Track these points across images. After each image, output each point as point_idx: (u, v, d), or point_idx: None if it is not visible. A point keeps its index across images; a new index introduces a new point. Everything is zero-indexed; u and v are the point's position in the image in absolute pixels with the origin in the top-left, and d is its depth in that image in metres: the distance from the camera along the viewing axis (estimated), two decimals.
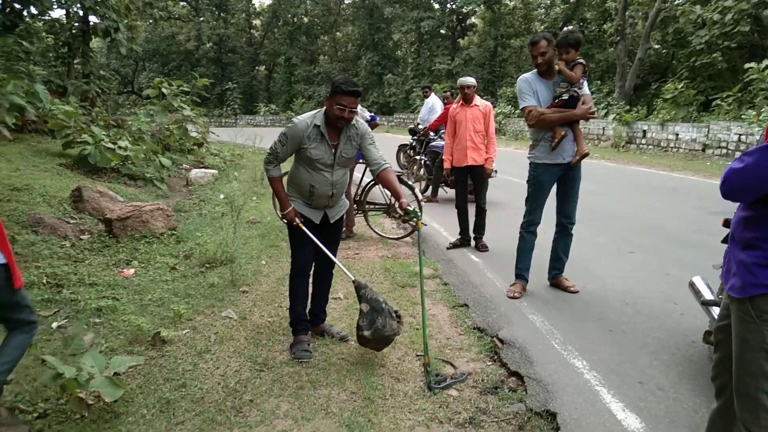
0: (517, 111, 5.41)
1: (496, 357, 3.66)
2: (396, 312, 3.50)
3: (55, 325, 3.95)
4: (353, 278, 3.63)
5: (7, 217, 5.69)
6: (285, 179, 3.68)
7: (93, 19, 14.28)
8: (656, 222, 7.33)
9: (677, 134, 16.61)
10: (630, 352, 3.63)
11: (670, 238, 6.60)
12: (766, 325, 1.87)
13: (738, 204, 2.05)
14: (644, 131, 18.13)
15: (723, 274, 2.12)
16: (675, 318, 4.16)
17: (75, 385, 2.74)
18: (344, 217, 3.92)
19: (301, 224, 3.57)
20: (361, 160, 3.96)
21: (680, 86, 18.10)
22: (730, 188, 1.93)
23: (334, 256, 3.76)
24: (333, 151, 3.47)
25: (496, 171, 6.66)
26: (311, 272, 3.81)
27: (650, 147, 17.72)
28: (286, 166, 3.69)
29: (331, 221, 3.74)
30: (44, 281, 4.75)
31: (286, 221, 3.66)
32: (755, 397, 1.93)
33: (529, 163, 4.64)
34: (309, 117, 3.47)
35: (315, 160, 3.45)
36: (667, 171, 12.72)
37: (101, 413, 2.87)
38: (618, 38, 22.86)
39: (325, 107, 3.44)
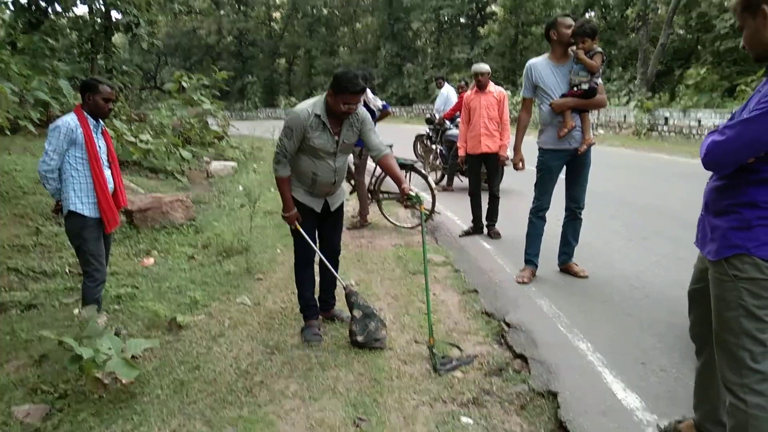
0: (536, 100, 5.46)
1: (502, 340, 3.72)
2: (382, 320, 3.66)
3: (76, 311, 4.11)
4: (345, 285, 3.74)
5: (32, 209, 5.90)
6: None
7: (115, 14, 14.55)
8: (672, 208, 7.27)
9: (699, 120, 16.31)
10: (635, 335, 3.66)
11: (686, 224, 6.48)
12: (742, 282, 1.98)
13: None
14: (666, 118, 17.83)
15: (698, 242, 2.22)
16: (683, 302, 4.07)
17: (92, 366, 2.88)
18: (343, 205, 3.94)
19: (299, 227, 3.62)
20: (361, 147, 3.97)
21: (703, 72, 17.77)
22: (712, 159, 2.02)
23: (338, 244, 3.87)
24: (336, 138, 3.49)
25: (510, 158, 6.68)
26: (316, 259, 3.87)
27: (672, 134, 17.45)
28: None
29: (332, 209, 3.77)
30: (67, 270, 4.94)
31: (286, 222, 3.69)
32: (736, 355, 2.02)
33: (538, 149, 4.68)
34: (309, 106, 3.44)
35: (318, 149, 3.45)
36: (688, 158, 12.52)
37: (118, 393, 3.01)
38: (640, 24, 22.53)
39: (325, 98, 3.42)
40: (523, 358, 3.42)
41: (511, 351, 3.55)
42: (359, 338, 3.53)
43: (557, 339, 3.66)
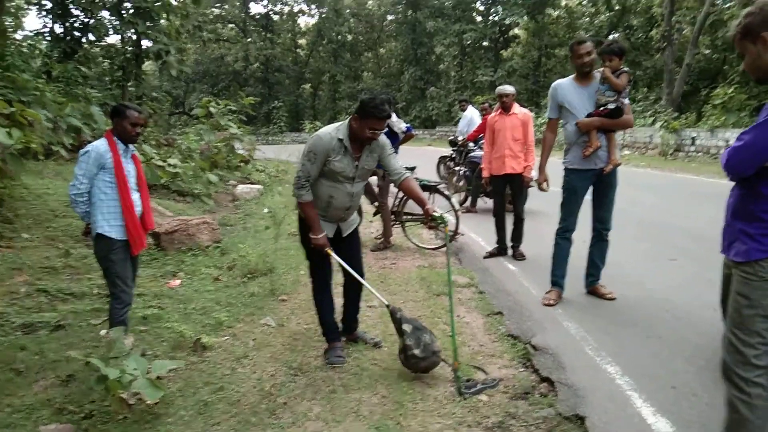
0: (561, 120, 5.47)
1: (528, 363, 3.65)
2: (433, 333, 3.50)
3: (103, 332, 4.16)
4: (387, 303, 3.62)
5: (62, 232, 6.04)
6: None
7: (146, 43, 14.97)
8: (700, 229, 7.12)
9: (727, 141, 16.04)
10: (664, 358, 3.57)
11: (714, 244, 6.34)
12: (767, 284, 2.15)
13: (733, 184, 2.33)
14: (693, 138, 17.61)
15: (724, 249, 2.37)
16: (713, 323, 4.03)
17: (118, 386, 2.90)
18: (358, 231, 3.89)
19: (330, 251, 3.56)
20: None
21: (730, 91, 17.53)
22: (734, 163, 2.19)
23: (360, 271, 3.79)
24: (356, 163, 3.48)
25: (534, 180, 6.64)
26: (332, 282, 3.84)
27: (699, 154, 17.19)
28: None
29: (344, 234, 3.73)
30: (95, 292, 5.02)
31: (312, 246, 3.57)
32: (744, 352, 2.19)
33: (564, 169, 4.64)
34: (332, 130, 3.44)
35: (337, 173, 3.44)
36: (716, 178, 12.30)
37: (142, 414, 3.03)
38: (665, 44, 22.36)
39: (350, 122, 3.41)
40: (550, 381, 3.36)
41: (537, 374, 3.48)
42: (416, 351, 3.31)
43: (585, 362, 3.59)
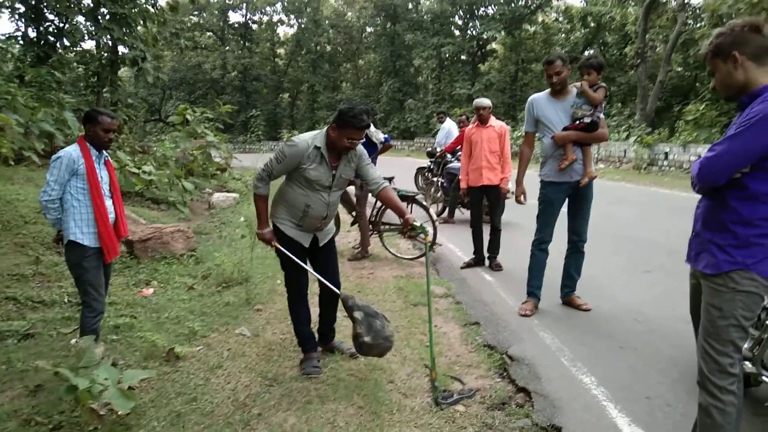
0: (538, 134, 5.52)
1: (505, 374, 3.66)
2: (386, 318, 3.43)
3: (73, 341, 4.06)
4: (339, 292, 3.58)
5: (33, 238, 5.89)
6: (271, 201, 3.64)
7: (122, 49, 14.77)
8: (673, 242, 7.22)
9: (699, 155, 16.36)
10: (639, 369, 3.61)
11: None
12: (739, 295, 2.22)
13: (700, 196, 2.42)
14: (666, 153, 17.96)
15: (691, 259, 2.45)
16: (687, 336, 4.05)
17: (88, 396, 2.82)
18: (334, 241, 3.86)
19: (279, 245, 3.55)
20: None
21: (702, 108, 17.95)
22: (707, 173, 2.23)
23: (336, 279, 3.75)
24: (333, 172, 3.47)
25: (511, 192, 6.70)
26: (308, 291, 3.80)
27: (672, 169, 17.54)
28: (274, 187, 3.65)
29: (320, 244, 3.70)
30: (66, 300, 4.90)
31: (262, 241, 3.62)
32: (719, 361, 2.26)
33: (540, 181, 4.69)
34: (309, 138, 3.42)
35: (313, 181, 3.41)
36: (688, 192, 12.53)
37: (113, 425, 2.94)
38: (639, 61, 22.84)
39: (327, 132, 3.40)
40: (526, 391, 3.37)
41: (513, 384, 3.49)
42: (366, 339, 3.26)
43: (561, 372, 3.61)
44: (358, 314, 3.37)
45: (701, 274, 2.35)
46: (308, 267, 3.64)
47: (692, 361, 3.67)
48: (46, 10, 13.88)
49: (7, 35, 14.24)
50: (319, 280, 3.69)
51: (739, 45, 2.19)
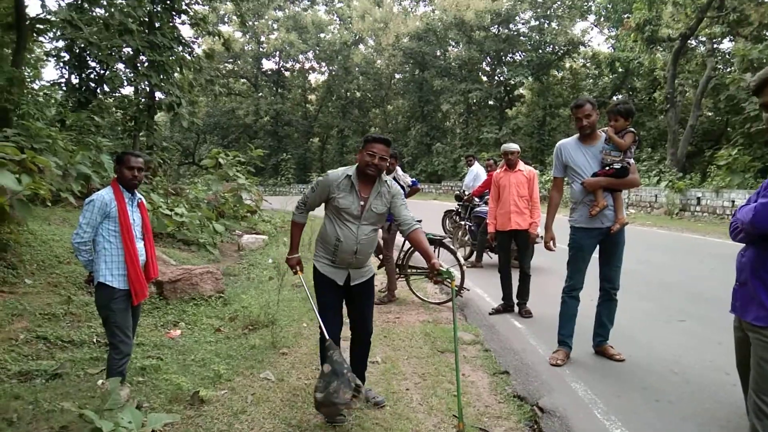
0: (566, 178, 5.52)
1: (535, 426, 3.53)
2: (357, 385, 3.28)
3: (100, 382, 4.07)
4: (327, 338, 3.51)
5: (66, 278, 6.00)
6: (314, 238, 3.79)
7: (158, 95, 15.31)
8: (709, 290, 7.03)
9: (733, 201, 16.08)
10: (676, 424, 3.45)
11: (724, 306, 6.29)
12: None
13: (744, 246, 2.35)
14: (698, 198, 17.65)
15: (737, 309, 2.36)
16: (726, 389, 3.94)
17: None
18: (372, 283, 3.82)
19: (300, 272, 3.85)
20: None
21: (734, 153, 17.68)
22: (761, 219, 2.16)
23: (369, 324, 3.74)
24: (361, 203, 3.52)
25: (541, 237, 6.62)
26: (341, 337, 3.78)
27: (705, 214, 17.20)
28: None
29: (352, 283, 3.65)
30: (94, 340, 4.95)
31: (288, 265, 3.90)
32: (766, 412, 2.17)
33: (570, 227, 4.62)
34: (343, 169, 3.63)
35: (342, 209, 3.48)
36: (722, 238, 12.24)
37: None
38: (668, 106, 22.71)
39: (357, 161, 3.58)
40: None
41: None
42: (317, 395, 3.20)
43: (594, 426, 3.46)
44: (326, 367, 3.31)
45: (749, 326, 2.24)
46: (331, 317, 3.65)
47: (732, 415, 3.52)
48: (88, 58, 14.53)
49: (51, 82, 14.90)
50: (351, 325, 3.68)
51: None
